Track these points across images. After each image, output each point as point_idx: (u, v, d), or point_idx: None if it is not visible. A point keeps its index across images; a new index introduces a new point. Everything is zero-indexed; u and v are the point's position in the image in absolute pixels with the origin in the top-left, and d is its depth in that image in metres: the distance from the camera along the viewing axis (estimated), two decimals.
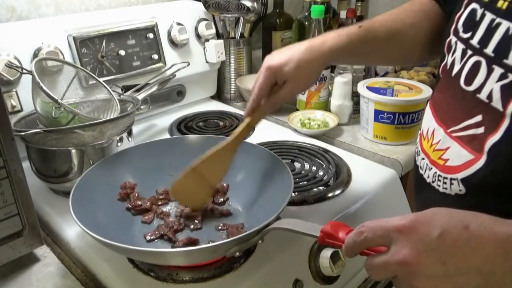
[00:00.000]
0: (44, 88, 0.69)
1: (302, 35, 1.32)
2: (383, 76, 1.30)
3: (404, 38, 0.67)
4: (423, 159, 0.57)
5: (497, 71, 0.45)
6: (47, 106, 0.72)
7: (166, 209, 0.73)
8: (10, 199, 0.57)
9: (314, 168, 0.87)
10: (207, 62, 1.18)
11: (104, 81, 0.85)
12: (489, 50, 0.46)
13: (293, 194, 0.77)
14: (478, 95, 0.47)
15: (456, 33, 0.53)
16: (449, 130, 0.51)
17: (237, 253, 0.56)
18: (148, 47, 1.04)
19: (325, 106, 1.14)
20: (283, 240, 0.67)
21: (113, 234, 0.58)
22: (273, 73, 0.64)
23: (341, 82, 1.07)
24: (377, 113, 0.97)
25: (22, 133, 0.69)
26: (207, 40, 1.16)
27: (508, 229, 0.37)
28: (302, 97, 1.13)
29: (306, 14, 1.30)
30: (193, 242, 0.64)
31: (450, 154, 0.51)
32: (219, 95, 1.32)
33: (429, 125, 0.56)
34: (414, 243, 0.38)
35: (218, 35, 1.24)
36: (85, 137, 0.73)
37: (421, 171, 0.57)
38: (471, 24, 0.50)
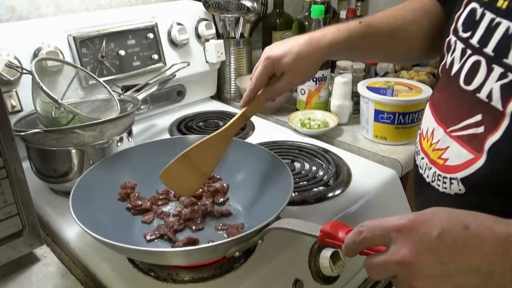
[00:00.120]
0: (44, 88, 0.69)
1: None
2: (383, 76, 1.30)
3: (404, 34, 0.67)
4: (422, 158, 0.57)
5: (497, 70, 0.45)
6: (47, 106, 0.72)
7: (166, 209, 0.73)
8: (10, 199, 0.57)
9: (314, 168, 0.87)
10: (207, 62, 1.18)
11: (104, 81, 0.85)
12: (489, 49, 0.46)
13: (293, 194, 0.77)
14: (477, 95, 0.47)
15: (455, 32, 0.53)
16: (448, 130, 0.51)
17: (237, 253, 0.56)
18: (148, 47, 1.04)
19: (325, 106, 1.14)
20: (283, 240, 0.67)
21: (113, 234, 0.58)
22: (271, 63, 0.64)
23: (341, 82, 1.07)
24: (377, 113, 0.97)
25: (22, 133, 0.69)
26: (207, 40, 1.16)
27: (508, 228, 0.37)
28: (302, 97, 1.13)
29: (306, 14, 1.31)
30: (193, 242, 0.64)
31: (450, 154, 0.51)
32: (219, 95, 1.32)
33: (428, 125, 0.56)
34: (413, 242, 0.38)
35: (218, 35, 1.24)
36: (85, 137, 0.73)
37: (421, 171, 0.57)
38: (471, 23, 0.50)
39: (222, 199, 0.74)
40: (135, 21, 1.02)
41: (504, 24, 0.45)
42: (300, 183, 0.82)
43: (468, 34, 0.50)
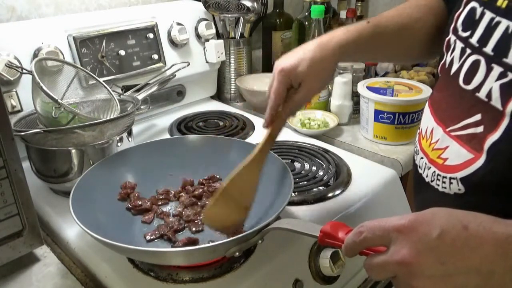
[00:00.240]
0: (44, 88, 0.69)
1: (302, 35, 1.32)
2: (383, 76, 1.30)
3: (410, 32, 0.66)
4: (422, 158, 0.57)
5: (496, 69, 0.45)
6: (47, 106, 0.72)
7: (166, 209, 0.73)
8: (10, 199, 0.57)
9: (314, 168, 0.87)
10: (207, 62, 1.18)
11: (104, 81, 0.85)
12: (488, 49, 0.46)
13: (293, 194, 0.77)
14: (477, 94, 0.47)
15: (455, 31, 0.53)
16: (448, 129, 0.51)
17: (237, 253, 0.56)
18: (148, 47, 1.04)
19: (325, 106, 1.14)
20: (283, 240, 0.67)
21: (113, 234, 0.58)
22: (287, 75, 0.61)
23: (341, 82, 1.07)
24: (377, 113, 0.97)
25: (22, 133, 0.69)
26: (207, 40, 1.16)
27: (507, 229, 0.37)
28: None
29: (306, 14, 1.31)
30: (193, 242, 0.64)
31: (449, 153, 0.51)
32: (219, 95, 1.32)
33: (428, 124, 0.56)
34: (413, 243, 0.38)
35: (218, 35, 1.24)
36: (85, 137, 0.73)
37: (420, 171, 0.57)
38: (471, 22, 0.50)
39: None
40: (135, 21, 1.02)
41: (504, 23, 0.45)
42: (300, 183, 0.82)
43: (467, 34, 0.50)
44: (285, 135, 1.04)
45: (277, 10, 1.38)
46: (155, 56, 1.05)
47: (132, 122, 0.82)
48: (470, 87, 0.48)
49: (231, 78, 1.26)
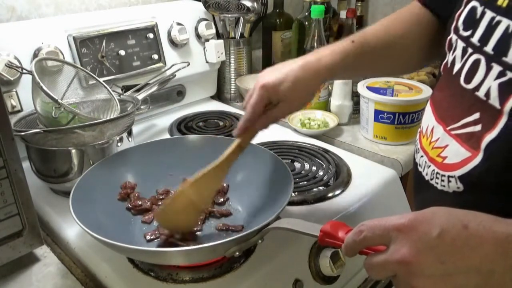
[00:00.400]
0: (44, 88, 0.69)
1: (302, 35, 1.32)
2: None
3: (397, 48, 0.67)
4: (422, 156, 0.57)
5: (496, 68, 0.45)
6: (47, 106, 0.72)
7: None
8: (10, 199, 0.57)
9: (314, 168, 0.87)
10: (207, 62, 1.18)
11: (104, 81, 0.85)
12: (489, 48, 0.46)
13: (293, 194, 0.77)
14: (476, 93, 0.47)
15: (456, 31, 0.53)
16: (448, 128, 0.51)
17: (237, 253, 0.56)
18: (148, 47, 1.04)
19: (325, 106, 1.14)
20: (283, 240, 0.67)
21: (113, 234, 0.58)
22: (267, 91, 0.61)
23: (341, 82, 1.07)
24: (377, 113, 0.97)
25: (22, 133, 0.69)
26: (207, 40, 1.16)
27: (507, 228, 0.37)
28: None
29: (306, 14, 1.31)
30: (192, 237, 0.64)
31: (448, 152, 0.51)
32: (219, 95, 1.32)
33: (428, 123, 0.56)
34: (413, 242, 0.38)
35: (218, 35, 1.24)
36: (85, 137, 0.73)
37: (420, 169, 0.57)
38: (471, 22, 0.50)
39: (222, 199, 0.74)
40: (135, 21, 1.02)
41: (504, 22, 0.45)
42: (300, 183, 0.82)
43: (468, 33, 0.50)
44: (285, 135, 1.04)
45: (277, 10, 1.38)
46: (155, 56, 1.05)
47: (132, 122, 0.82)
48: (470, 86, 0.48)
49: (231, 78, 1.26)
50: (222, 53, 1.18)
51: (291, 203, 0.76)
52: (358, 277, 0.77)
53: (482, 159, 0.46)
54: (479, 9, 0.49)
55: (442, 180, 0.52)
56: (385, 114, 0.96)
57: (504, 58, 0.44)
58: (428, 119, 0.57)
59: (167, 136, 1.05)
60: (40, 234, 0.62)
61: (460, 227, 0.37)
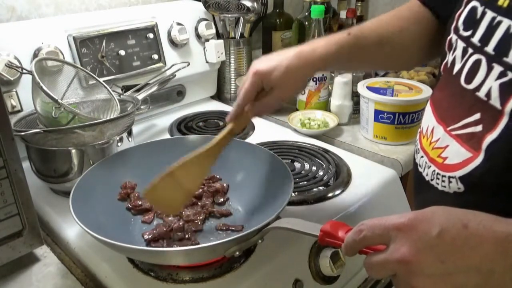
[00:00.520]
0: (44, 88, 0.69)
1: (302, 35, 1.32)
2: (383, 76, 1.30)
3: (392, 42, 0.67)
4: (422, 157, 0.57)
5: (497, 69, 0.45)
6: (47, 106, 0.72)
7: None
8: (10, 199, 0.57)
9: (314, 168, 0.87)
10: (207, 62, 1.18)
11: (104, 81, 0.85)
12: (489, 48, 0.46)
13: (293, 194, 0.77)
14: (477, 93, 0.47)
15: (456, 31, 0.53)
16: (448, 128, 0.51)
17: (237, 253, 0.56)
18: (148, 47, 1.04)
19: (325, 106, 1.14)
20: (283, 240, 0.67)
21: (113, 233, 0.58)
22: (260, 78, 0.62)
23: (341, 82, 1.07)
24: (377, 113, 0.97)
25: (22, 133, 0.69)
26: (207, 40, 1.16)
27: (507, 228, 0.37)
28: (302, 97, 1.13)
29: (306, 14, 1.31)
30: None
31: (449, 152, 0.51)
32: (219, 95, 1.32)
33: (428, 123, 0.56)
34: (413, 241, 0.38)
35: (218, 35, 1.24)
36: (85, 137, 0.73)
37: (420, 169, 0.57)
38: (472, 22, 0.50)
39: (222, 199, 0.74)
40: (135, 21, 1.02)
41: (505, 23, 0.45)
42: (300, 183, 0.82)
43: (469, 33, 0.50)
44: (285, 135, 1.04)
45: (277, 10, 1.38)
46: (155, 56, 1.05)
47: (132, 122, 0.82)
48: (471, 86, 0.48)
49: (231, 78, 1.26)
50: (222, 53, 1.18)
51: (291, 203, 0.76)
52: (358, 277, 0.77)
53: (483, 159, 0.46)
54: (480, 9, 0.49)
55: (443, 181, 0.52)
56: (385, 114, 0.96)
57: (505, 59, 0.44)
58: (428, 119, 0.57)
59: (167, 136, 1.05)
60: (40, 234, 0.62)
61: (460, 227, 0.37)
